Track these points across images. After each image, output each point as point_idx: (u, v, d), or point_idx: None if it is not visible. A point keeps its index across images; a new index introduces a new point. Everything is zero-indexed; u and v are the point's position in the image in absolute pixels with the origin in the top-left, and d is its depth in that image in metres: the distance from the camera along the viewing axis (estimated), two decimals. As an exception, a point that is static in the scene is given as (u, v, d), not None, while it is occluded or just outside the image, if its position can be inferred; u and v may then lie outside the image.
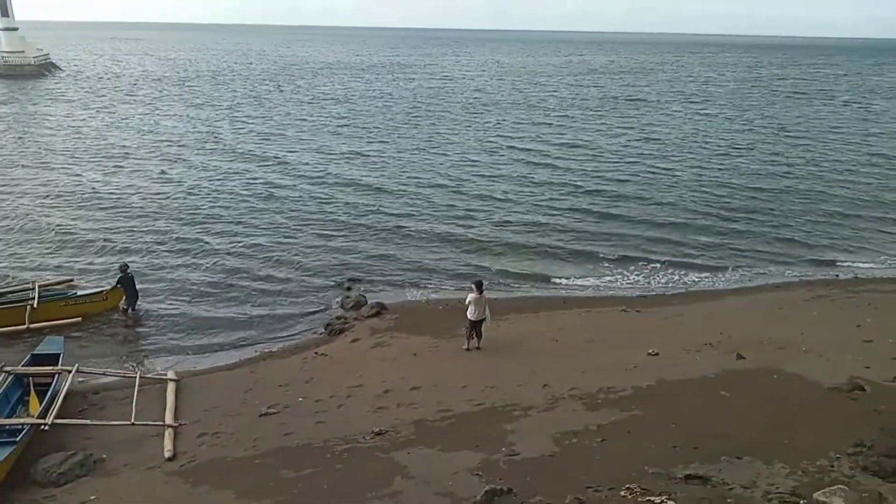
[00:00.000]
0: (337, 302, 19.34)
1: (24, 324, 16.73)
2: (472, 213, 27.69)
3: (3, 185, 31.00)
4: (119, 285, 17.96)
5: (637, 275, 21.73)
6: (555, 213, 28.02)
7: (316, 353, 15.98)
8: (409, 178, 33.84)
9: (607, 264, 22.52)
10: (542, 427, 11.77)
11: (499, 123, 52.09)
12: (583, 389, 13.37)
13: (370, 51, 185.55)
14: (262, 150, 39.88)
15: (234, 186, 31.50)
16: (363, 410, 12.84)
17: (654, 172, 35.70)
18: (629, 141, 45.40)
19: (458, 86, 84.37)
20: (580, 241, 24.64)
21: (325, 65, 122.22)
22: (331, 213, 27.72)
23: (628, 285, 21.06)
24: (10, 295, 17.78)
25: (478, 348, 15.48)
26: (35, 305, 16.98)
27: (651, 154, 40.66)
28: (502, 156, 39.64)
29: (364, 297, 19.24)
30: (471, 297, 15.21)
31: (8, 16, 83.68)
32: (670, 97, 74.01)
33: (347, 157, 38.51)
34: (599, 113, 59.60)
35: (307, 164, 36.63)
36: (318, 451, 11.42)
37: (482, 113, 58.37)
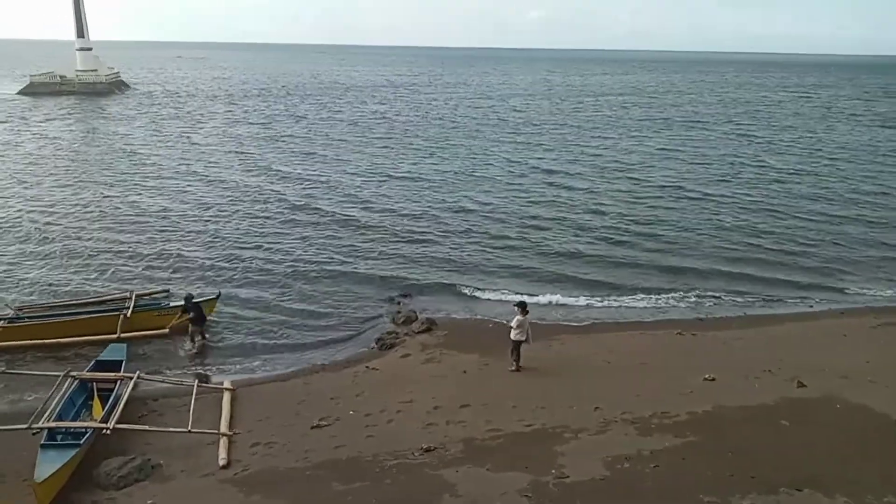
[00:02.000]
0: (388, 316, 19.49)
1: (116, 333, 17.25)
2: (522, 235, 27.52)
3: (85, 201, 32.42)
4: (190, 307, 17.59)
5: (693, 298, 21.20)
6: (606, 236, 27.55)
7: (367, 367, 16.12)
8: (460, 196, 33.96)
9: (662, 287, 22.04)
10: (593, 450, 11.60)
11: (540, 143, 51.75)
12: (635, 413, 13.12)
13: (422, 70, 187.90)
14: (309, 169, 40.34)
15: (284, 204, 31.92)
16: (413, 426, 12.88)
17: (708, 196, 34.82)
18: (681, 164, 44.50)
19: (501, 105, 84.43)
20: (633, 265, 24.18)
21: (373, 84, 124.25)
22: (381, 228, 28.02)
23: (685, 308, 20.57)
24: (108, 304, 18.50)
25: (518, 369, 15.36)
26: (128, 315, 17.60)
27: (705, 178, 39.56)
28: (549, 178, 39.34)
29: (415, 312, 19.35)
30: (516, 318, 15.19)
31: (84, 36, 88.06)
32: (722, 118, 72.27)
33: (402, 177, 38.84)
34: (648, 134, 58.74)
35: (357, 182, 37.04)
36: (367, 464, 11.50)
37: (528, 132, 58.26)
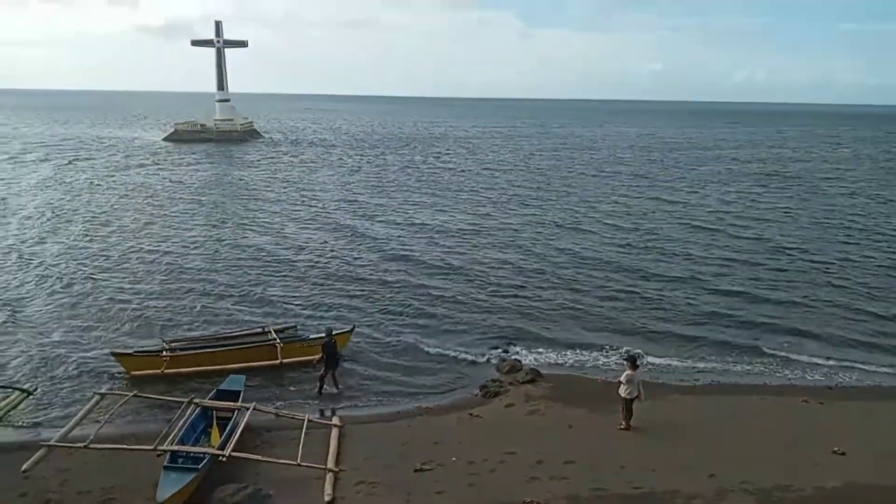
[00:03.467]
0: (493, 364, 19.40)
1: (278, 360, 18.57)
2: (632, 289, 26.75)
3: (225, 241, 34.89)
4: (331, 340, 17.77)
5: (822, 364, 19.71)
6: (728, 292, 26.26)
7: (470, 413, 16.05)
8: (567, 246, 33.60)
9: (788, 350, 20.70)
10: (708, 520, 10.91)
11: (656, 198, 50.54)
12: (755, 484, 12.28)
13: (541, 121, 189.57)
14: (415, 217, 41.14)
15: (390, 251, 32.50)
16: (515, 478, 12.64)
17: (837, 259, 32.50)
18: (807, 221, 42.06)
19: (607, 156, 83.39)
20: (756, 324, 22.81)
21: (482, 135, 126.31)
22: (487, 277, 28.08)
23: (812, 374, 19.14)
24: (250, 338, 19.73)
25: (628, 428, 14.77)
26: (282, 345, 18.84)
27: (832, 238, 37.08)
28: (659, 232, 38.33)
29: (519, 361, 19.17)
30: (625, 373, 14.71)
31: (223, 89, 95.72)
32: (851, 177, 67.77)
33: (506, 227, 39.06)
34: (772, 190, 55.96)
35: (465, 230, 37.58)
36: (468, 513, 11.37)
37: (636, 185, 57.16)
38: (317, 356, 17.52)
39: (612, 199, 48.26)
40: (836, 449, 13.66)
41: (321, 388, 17.33)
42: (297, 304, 24.28)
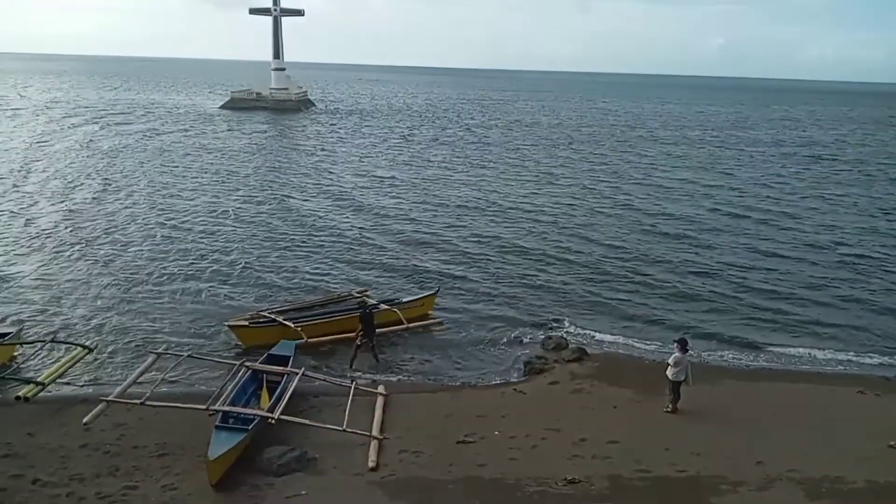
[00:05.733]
0: (538, 341, 19.31)
1: (404, 324, 19.05)
2: (688, 263, 26.28)
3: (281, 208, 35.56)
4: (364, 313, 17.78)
5: (881, 355, 19.04)
6: (781, 280, 25.27)
7: (514, 388, 16.08)
8: (625, 225, 33.11)
9: (845, 338, 20.04)
10: (753, 507, 10.73)
11: (728, 180, 49.11)
12: (804, 473, 12.01)
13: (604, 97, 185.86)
14: (466, 191, 40.97)
15: (440, 224, 32.54)
16: (557, 455, 12.65)
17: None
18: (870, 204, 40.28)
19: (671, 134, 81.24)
20: (812, 313, 22.03)
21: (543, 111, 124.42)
22: (540, 253, 27.91)
23: (870, 364, 18.49)
24: (345, 302, 20.10)
25: (674, 411, 14.56)
26: (399, 310, 19.40)
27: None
28: (725, 207, 37.40)
29: (565, 339, 19.04)
30: (674, 355, 14.47)
31: (279, 58, 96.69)
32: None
33: (567, 204, 38.68)
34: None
35: (514, 203, 37.47)
36: (509, 487, 11.47)
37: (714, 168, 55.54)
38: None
39: (673, 185, 46.88)
40: (892, 443, 13.22)
41: (352, 362, 17.16)
42: (336, 274, 24.67)
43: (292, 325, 17.97)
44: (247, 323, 18.33)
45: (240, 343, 18.03)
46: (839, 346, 19.55)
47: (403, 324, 19.15)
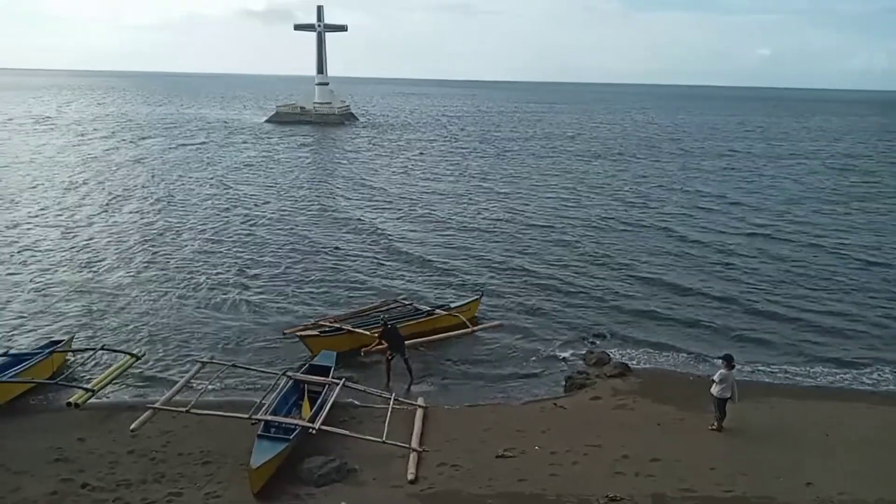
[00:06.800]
0: (580, 356, 19.06)
1: (469, 328, 19.59)
2: (736, 280, 25.66)
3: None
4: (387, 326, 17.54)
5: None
6: (834, 298, 24.42)
7: (555, 403, 15.88)
8: (674, 246, 31.67)
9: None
10: (804, 531, 10.37)
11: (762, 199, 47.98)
12: (856, 496, 11.59)
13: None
14: (510, 204, 40.92)
15: (482, 238, 32.48)
16: (599, 472, 12.43)
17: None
18: None
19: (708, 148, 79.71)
20: (864, 331, 21.26)
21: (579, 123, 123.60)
22: (582, 266, 27.66)
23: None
24: (395, 311, 20.47)
25: (719, 429, 14.18)
26: (463, 315, 20.05)
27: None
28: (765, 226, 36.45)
29: (608, 354, 18.75)
30: (719, 372, 14.13)
31: (322, 73, 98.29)
32: None
33: (611, 217, 38.25)
34: None
35: (554, 214, 37.25)
36: (550, 503, 11.29)
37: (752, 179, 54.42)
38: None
39: (718, 199, 45.46)
40: (952, 467, 12.67)
41: (389, 377, 16.85)
42: (375, 284, 24.84)
43: (364, 332, 18.16)
44: (317, 332, 18.53)
45: (310, 351, 17.93)
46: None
47: (468, 327, 19.54)
